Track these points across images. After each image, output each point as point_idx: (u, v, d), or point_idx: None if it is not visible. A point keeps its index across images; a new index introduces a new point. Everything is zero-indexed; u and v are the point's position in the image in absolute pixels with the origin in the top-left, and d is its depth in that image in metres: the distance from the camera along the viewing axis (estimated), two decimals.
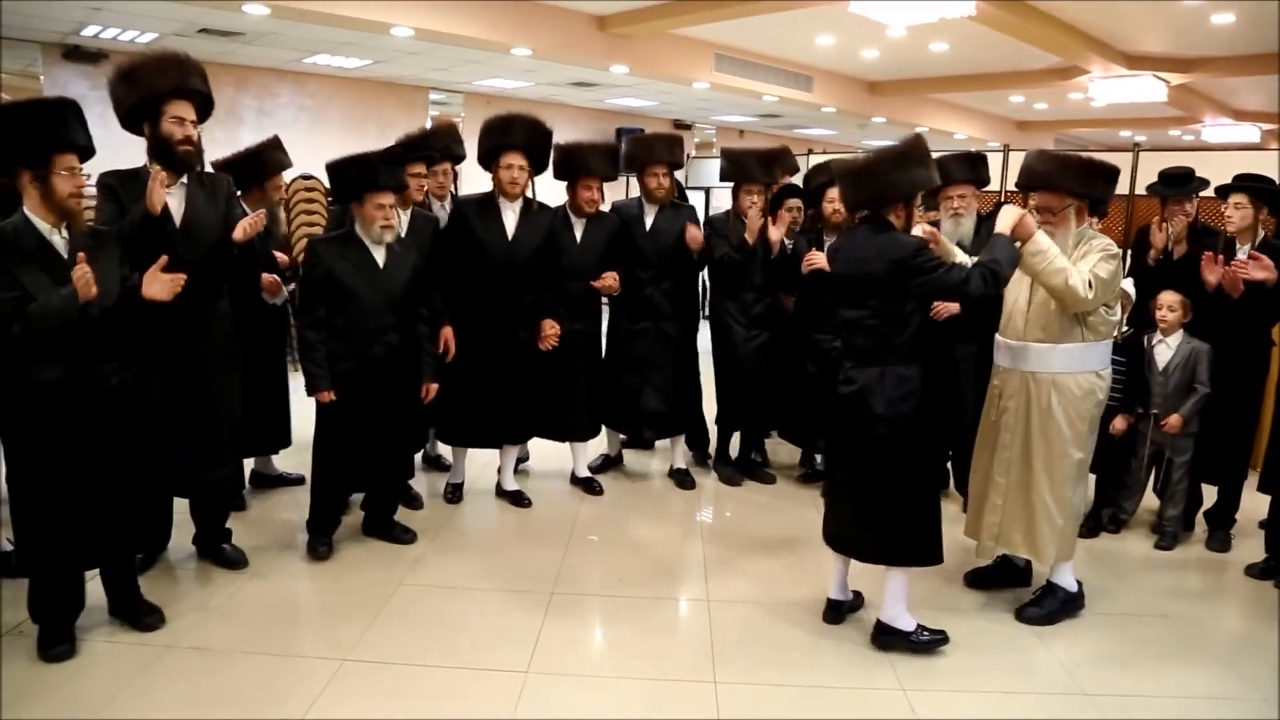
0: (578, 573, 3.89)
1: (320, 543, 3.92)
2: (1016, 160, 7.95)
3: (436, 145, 4.54)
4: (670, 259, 4.75)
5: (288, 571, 3.78)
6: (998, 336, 3.62)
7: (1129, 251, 4.80)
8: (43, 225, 2.90)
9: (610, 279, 4.63)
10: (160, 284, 3.02)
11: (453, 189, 4.78)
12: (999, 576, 3.82)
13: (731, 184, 4.88)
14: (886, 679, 3.08)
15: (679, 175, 5.19)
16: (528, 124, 4.36)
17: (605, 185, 4.74)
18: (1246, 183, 4.17)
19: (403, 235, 4.04)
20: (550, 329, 4.44)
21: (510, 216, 4.39)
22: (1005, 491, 3.53)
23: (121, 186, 3.38)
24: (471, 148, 4.58)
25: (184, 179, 3.45)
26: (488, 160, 4.44)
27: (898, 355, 3.13)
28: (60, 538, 2.94)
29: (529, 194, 4.44)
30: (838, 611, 3.48)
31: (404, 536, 4.11)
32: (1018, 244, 3.20)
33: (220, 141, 3.63)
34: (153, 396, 3.29)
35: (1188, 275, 4.19)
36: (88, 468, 2.94)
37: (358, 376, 3.76)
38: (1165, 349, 4.26)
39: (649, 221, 4.79)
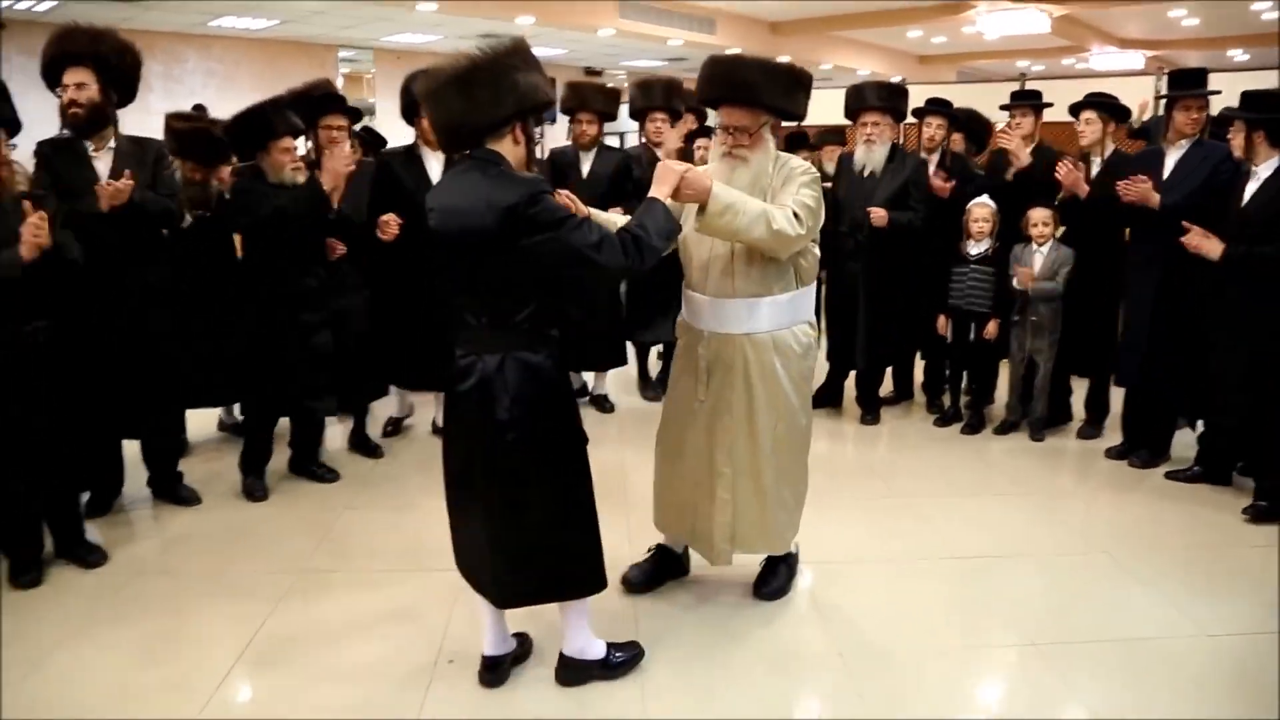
0: None
1: (256, 487, 4.09)
2: (916, 93, 8.36)
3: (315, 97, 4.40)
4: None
5: (242, 503, 4.03)
6: (692, 294, 2.98)
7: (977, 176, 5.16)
8: None
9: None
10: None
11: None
12: (661, 570, 3.29)
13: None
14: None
15: None
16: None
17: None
18: (1094, 99, 4.63)
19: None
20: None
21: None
22: (733, 483, 2.97)
23: (54, 153, 3.59)
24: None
25: (112, 143, 3.65)
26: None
27: (520, 338, 2.42)
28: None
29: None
30: (497, 670, 2.70)
31: (327, 476, 4.29)
32: (696, 209, 2.60)
33: (130, 109, 3.81)
34: (97, 347, 3.58)
35: (1043, 189, 4.64)
36: (21, 417, 3.17)
37: (284, 304, 3.92)
38: (1039, 257, 4.68)
39: (585, 167, 5.04)
